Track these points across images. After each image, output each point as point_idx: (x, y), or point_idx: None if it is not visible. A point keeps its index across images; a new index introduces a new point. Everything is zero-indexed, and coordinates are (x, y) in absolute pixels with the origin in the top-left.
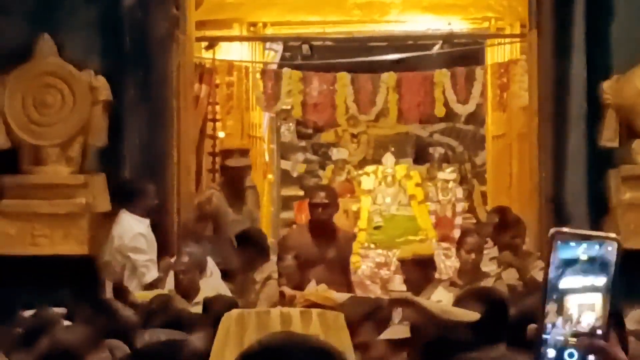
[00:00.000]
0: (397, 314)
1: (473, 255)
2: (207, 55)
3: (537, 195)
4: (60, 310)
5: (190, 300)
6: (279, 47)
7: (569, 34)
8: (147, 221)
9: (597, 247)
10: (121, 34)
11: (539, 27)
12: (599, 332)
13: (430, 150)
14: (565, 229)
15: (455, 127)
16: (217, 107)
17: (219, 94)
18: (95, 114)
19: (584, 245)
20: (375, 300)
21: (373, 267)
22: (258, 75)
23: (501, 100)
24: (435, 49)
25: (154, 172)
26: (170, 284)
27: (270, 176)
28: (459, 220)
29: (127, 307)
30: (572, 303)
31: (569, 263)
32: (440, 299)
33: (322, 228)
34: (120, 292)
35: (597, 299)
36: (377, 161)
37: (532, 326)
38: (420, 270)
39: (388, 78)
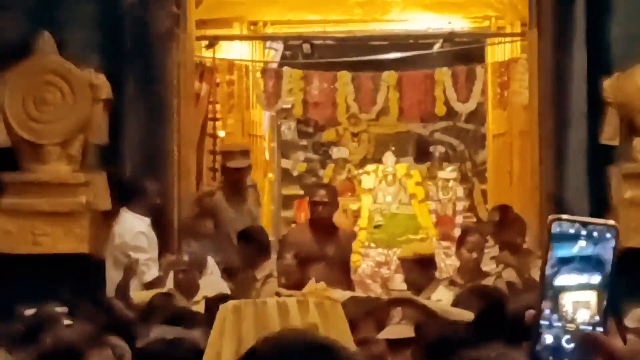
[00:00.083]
0: (397, 313)
1: (474, 254)
2: (207, 54)
3: (538, 194)
4: (61, 308)
5: (190, 298)
6: (280, 46)
7: (570, 32)
8: (148, 220)
9: (595, 234)
10: (122, 32)
11: (539, 26)
12: (598, 328)
13: (431, 148)
14: (564, 216)
15: (456, 125)
16: (218, 106)
17: (219, 92)
18: (96, 112)
19: (583, 232)
20: (376, 299)
21: (373, 266)
22: (258, 74)
23: (502, 98)
24: (436, 47)
25: (154, 171)
26: (170, 282)
27: (270, 175)
28: (459, 219)
29: (128, 306)
30: (567, 300)
31: (565, 261)
32: (440, 298)
33: (323, 226)
34: (124, 291)
35: (592, 297)
36: (378, 160)
37: (530, 312)
38: (420, 269)
39: (389, 77)
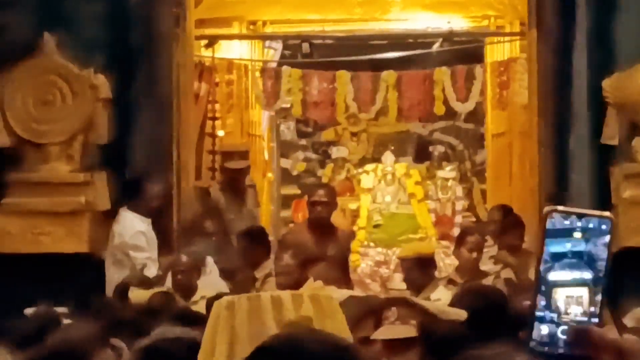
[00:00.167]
0: (392, 313)
1: (474, 254)
2: (206, 53)
3: (537, 194)
4: (62, 308)
5: (188, 299)
6: (279, 45)
7: (570, 31)
8: (148, 220)
9: (591, 225)
10: (125, 31)
11: (539, 25)
12: (593, 319)
13: (430, 148)
14: (559, 207)
15: (455, 125)
16: (217, 106)
17: (218, 92)
18: (96, 112)
19: (578, 224)
20: (373, 297)
21: (373, 266)
22: (258, 74)
23: (501, 98)
24: (435, 47)
25: (154, 170)
26: (170, 282)
27: (269, 175)
28: (458, 219)
29: (128, 305)
30: (560, 295)
31: (558, 257)
32: (439, 297)
33: (321, 226)
34: (124, 291)
35: (584, 293)
36: (377, 159)
37: (526, 303)
38: (420, 269)
39: (388, 76)
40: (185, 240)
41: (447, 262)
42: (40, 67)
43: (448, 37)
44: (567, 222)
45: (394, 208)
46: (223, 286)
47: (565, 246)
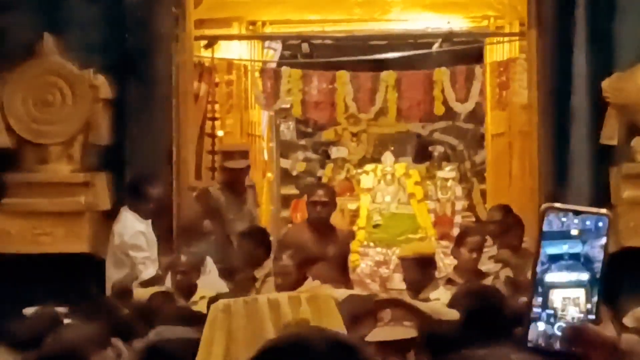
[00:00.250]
0: (386, 314)
1: (474, 255)
2: (206, 53)
3: (537, 194)
4: (62, 308)
5: (187, 299)
6: (279, 45)
7: (569, 32)
8: (148, 220)
9: (588, 223)
10: (123, 32)
11: (539, 25)
12: (590, 316)
13: (430, 148)
14: (557, 205)
15: (455, 125)
16: (217, 106)
17: (218, 92)
18: (96, 113)
19: (575, 221)
20: (369, 297)
21: (372, 266)
22: (257, 74)
23: (500, 98)
24: (435, 47)
25: (155, 171)
26: (169, 282)
27: (269, 175)
28: (458, 219)
29: (128, 306)
30: (557, 296)
31: (555, 258)
32: (438, 297)
33: (321, 226)
34: (123, 291)
35: (581, 294)
36: (377, 160)
37: (522, 299)
38: (420, 269)
39: (388, 76)
40: (184, 240)
41: (446, 262)
42: (40, 67)
43: (448, 37)
44: (564, 220)
45: (393, 208)
46: (223, 286)
47: (562, 248)
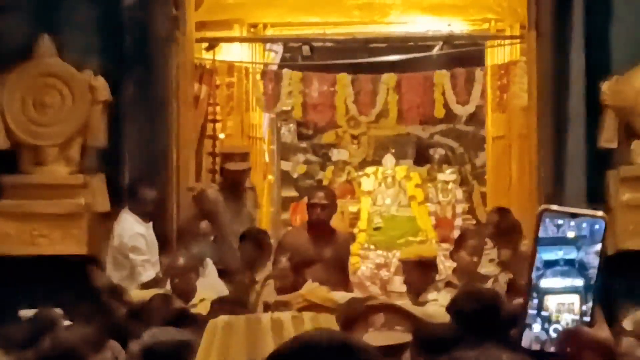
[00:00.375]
0: (379, 319)
1: (475, 258)
2: (207, 56)
3: (537, 196)
4: (59, 310)
5: (187, 301)
6: (279, 48)
7: (569, 35)
8: (148, 222)
9: (584, 225)
10: (121, 34)
11: (538, 28)
12: (585, 318)
13: (431, 151)
14: (553, 206)
15: (456, 128)
16: (218, 108)
17: (219, 94)
18: (95, 115)
19: (572, 223)
20: (362, 301)
21: (373, 268)
22: (258, 76)
23: (501, 101)
24: (435, 50)
25: (153, 173)
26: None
27: (270, 177)
28: (458, 221)
29: (122, 307)
30: (551, 302)
31: (550, 264)
32: (435, 298)
33: (321, 229)
34: (115, 291)
35: (575, 300)
36: (377, 162)
37: (518, 301)
38: (421, 272)
39: (388, 79)
40: (182, 242)
41: (447, 265)
42: (39, 69)
43: (448, 40)
44: (560, 222)
45: (394, 210)
46: (223, 288)
47: (557, 254)
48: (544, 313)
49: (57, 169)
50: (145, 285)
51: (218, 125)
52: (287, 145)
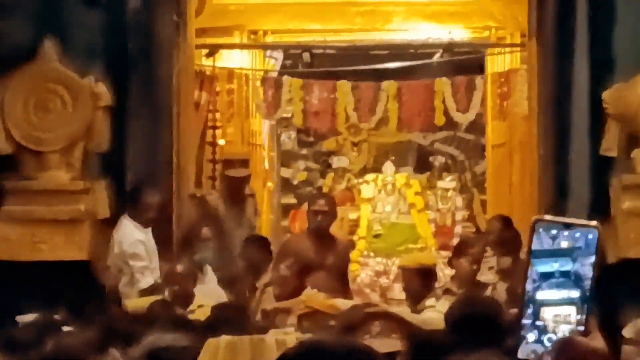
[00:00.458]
0: (375, 326)
1: (475, 266)
2: (207, 62)
3: (537, 205)
4: (61, 315)
5: (184, 308)
6: (280, 55)
7: (570, 43)
8: (148, 228)
9: (577, 235)
10: (123, 39)
11: (539, 36)
12: (579, 327)
13: (431, 158)
14: (547, 217)
15: (456, 135)
16: (218, 115)
17: (219, 101)
18: (96, 120)
19: (565, 233)
20: (358, 310)
21: (372, 276)
22: (258, 83)
23: (501, 109)
24: (436, 57)
25: (155, 178)
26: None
27: (269, 184)
28: (458, 229)
29: (125, 313)
30: (548, 314)
31: (546, 276)
32: (432, 304)
33: (321, 236)
34: (115, 297)
35: (572, 311)
36: (378, 169)
37: (513, 311)
38: (421, 280)
39: (388, 86)
40: (182, 248)
41: (447, 273)
42: (40, 74)
43: (449, 47)
44: (554, 232)
45: (394, 218)
46: (221, 295)
47: (553, 266)
48: (539, 324)
49: (58, 175)
50: (144, 292)
51: (218, 132)
52: (287, 152)
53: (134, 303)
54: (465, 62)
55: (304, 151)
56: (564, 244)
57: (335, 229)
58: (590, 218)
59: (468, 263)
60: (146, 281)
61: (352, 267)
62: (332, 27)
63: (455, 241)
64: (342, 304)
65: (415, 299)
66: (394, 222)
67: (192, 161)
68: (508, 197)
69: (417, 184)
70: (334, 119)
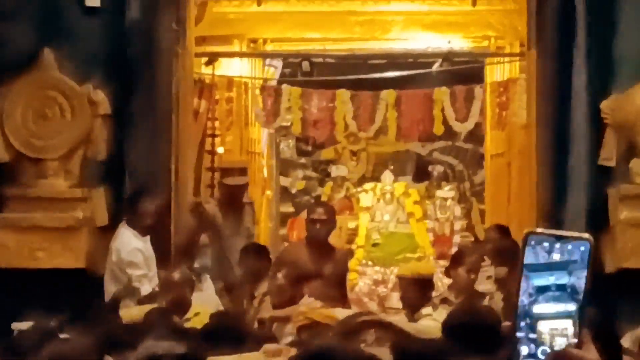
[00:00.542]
0: (370, 335)
1: (472, 275)
2: (206, 70)
3: (536, 214)
4: (57, 323)
5: (181, 315)
6: (279, 63)
7: (570, 52)
8: (146, 237)
9: (569, 247)
10: (122, 47)
11: (539, 45)
12: (572, 339)
13: (430, 168)
14: (538, 229)
15: (455, 145)
16: (217, 123)
17: (218, 109)
18: (95, 128)
19: (557, 245)
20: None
21: (370, 285)
22: (257, 92)
23: (500, 118)
24: (435, 67)
25: (152, 187)
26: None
27: (268, 192)
28: (457, 238)
29: (121, 321)
30: (544, 328)
31: (542, 289)
32: (429, 313)
33: (319, 245)
34: (116, 306)
35: (568, 325)
36: (376, 178)
37: (506, 324)
38: (418, 289)
39: (387, 95)
40: (180, 256)
41: (445, 282)
42: (39, 82)
43: (448, 57)
44: (546, 245)
45: (392, 227)
46: (218, 303)
47: (549, 279)
48: (533, 336)
49: (56, 183)
50: (142, 300)
51: (217, 140)
52: (286, 160)
53: (130, 312)
54: (465, 72)
55: (303, 160)
56: (558, 257)
57: (334, 238)
58: (588, 228)
59: (466, 272)
60: (144, 289)
61: (350, 276)
62: (332, 36)
63: (453, 250)
64: (341, 314)
65: (413, 308)
66: (392, 231)
67: (190, 169)
68: (506, 206)
69: (416, 193)
70: (333, 128)
